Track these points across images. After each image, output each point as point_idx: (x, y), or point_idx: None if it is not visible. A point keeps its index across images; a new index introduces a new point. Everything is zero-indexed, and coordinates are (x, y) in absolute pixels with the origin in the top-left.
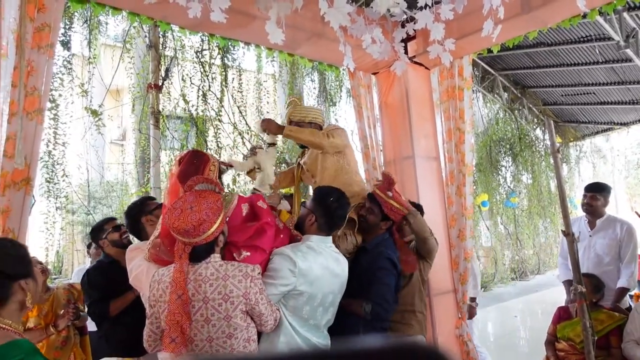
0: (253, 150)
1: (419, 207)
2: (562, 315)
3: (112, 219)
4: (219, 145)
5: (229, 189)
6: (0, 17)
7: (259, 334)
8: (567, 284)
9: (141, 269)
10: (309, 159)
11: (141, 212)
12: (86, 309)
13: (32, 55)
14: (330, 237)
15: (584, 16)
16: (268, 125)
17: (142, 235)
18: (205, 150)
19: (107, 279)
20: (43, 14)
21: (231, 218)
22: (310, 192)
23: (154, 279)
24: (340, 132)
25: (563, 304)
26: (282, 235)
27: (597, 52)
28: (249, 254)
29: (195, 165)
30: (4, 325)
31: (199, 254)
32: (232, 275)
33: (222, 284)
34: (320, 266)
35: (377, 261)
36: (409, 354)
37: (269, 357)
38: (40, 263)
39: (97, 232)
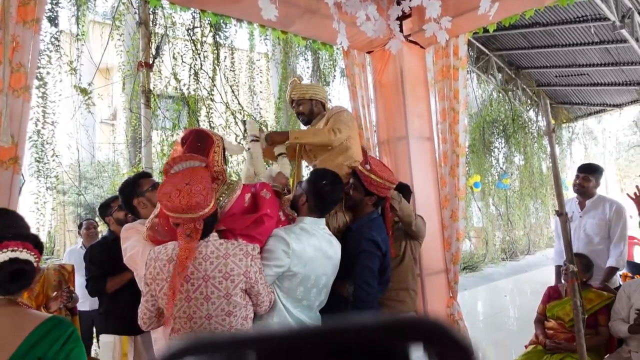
0: (254, 138)
1: (406, 188)
2: (552, 294)
3: (118, 197)
4: (211, 124)
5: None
6: None
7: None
8: (557, 269)
9: (136, 249)
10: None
11: (133, 193)
12: (85, 284)
13: (17, 30)
14: (324, 220)
15: None
16: (273, 139)
17: (136, 215)
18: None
19: (108, 256)
20: None
21: (233, 206)
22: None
23: (150, 257)
24: (346, 120)
25: (552, 284)
26: (280, 226)
27: (592, 32)
28: (244, 242)
29: (199, 147)
30: (24, 302)
31: (209, 225)
32: (233, 254)
33: (223, 262)
34: (313, 248)
35: (360, 243)
36: (412, 327)
37: (263, 334)
38: None
39: (104, 209)
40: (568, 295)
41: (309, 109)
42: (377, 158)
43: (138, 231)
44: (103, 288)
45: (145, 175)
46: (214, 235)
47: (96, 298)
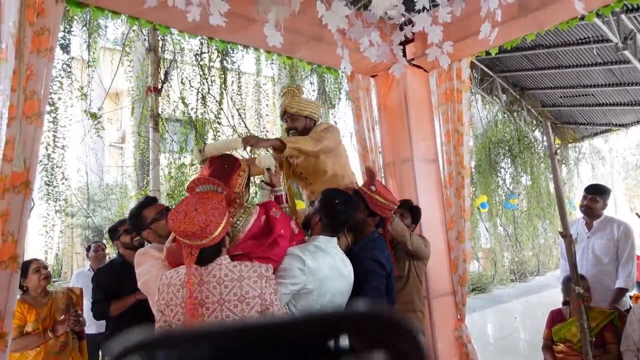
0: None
1: (417, 210)
2: (556, 318)
3: (126, 221)
4: None
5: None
6: (0, 21)
7: None
8: (565, 286)
9: (150, 275)
10: (303, 162)
11: (139, 227)
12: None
13: (32, 60)
14: (336, 239)
15: (582, 18)
16: (252, 142)
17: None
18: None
19: (115, 279)
20: (42, 18)
21: (250, 229)
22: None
23: (163, 282)
24: (332, 132)
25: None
26: (294, 242)
27: (595, 53)
28: (257, 263)
29: (225, 170)
30: None
31: (206, 256)
32: (248, 277)
33: (238, 285)
34: (328, 266)
35: (364, 264)
36: (366, 320)
37: (214, 329)
38: (45, 267)
39: (112, 233)
40: (572, 317)
41: (302, 126)
42: (381, 180)
43: (152, 256)
44: (107, 311)
45: (147, 204)
46: (226, 257)
47: (103, 321)
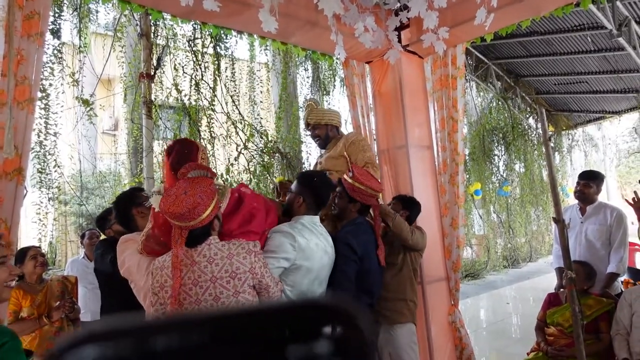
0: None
1: (414, 202)
2: (552, 301)
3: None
4: (212, 135)
5: (222, 179)
6: None
7: None
8: (559, 270)
9: (132, 262)
10: (327, 162)
11: (131, 203)
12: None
13: (22, 44)
14: (318, 217)
15: (577, 4)
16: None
17: (132, 227)
18: (196, 140)
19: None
20: (32, 1)
21: (226, 209)
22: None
23: (155, 266)
24: (370, 151)
25: (554, 289)
26: (271, 214)
27: (590, 40)
28: (244, 240)
29: (186, 154)
30: None
31: (195, 237)
32: (236, 253)
33: (228, 262)
34: (314, 243)
35: (338, 248)
36: (315, 309)
37: (162, 321)
38: (42, 255)
39: (101, 222)
40: (567, 302)
41: (324, 133)
42: (364, 168)
43: (135, 242)
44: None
45: (140, 189)
46: (215, 238)
47: (98, 309)
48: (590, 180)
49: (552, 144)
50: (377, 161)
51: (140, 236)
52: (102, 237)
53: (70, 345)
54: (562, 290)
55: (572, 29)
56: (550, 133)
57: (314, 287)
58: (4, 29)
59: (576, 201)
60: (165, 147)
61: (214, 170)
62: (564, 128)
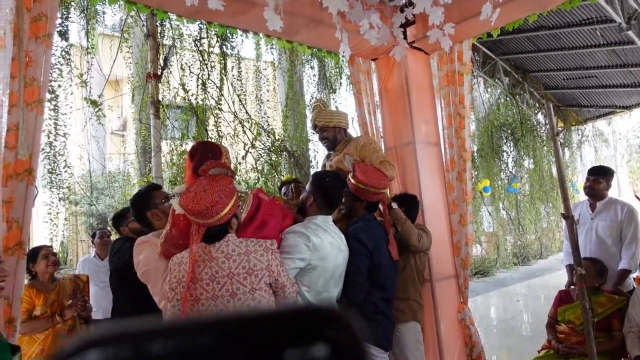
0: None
1: (412, 198)
2: (563, 298)
3: None
4: (220, 134)
5: (244, 185)
6: None
7: None
8: (569, 268)
9: (150, 266)
10: (337, 164)
11: (146, 206)
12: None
13: (30, 46)
14: (331, 217)
15: None
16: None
17: (149, 227)
18: (206, 140)
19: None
20: (39, 3)
21: (246, 215)
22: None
23: (174, 262)
24: (381, 150)
25: (564, 288)
26: (287, 219)
27: (599, 34)
28: (253, 239)
29: (209, 158)
30: None
31: (213, 235)
32: (254, 250)
33: (245, 258)
34: (328, 242)
35: (349, 244)
36: (310, 314)
37: (166, 325)
38: (54, 254)
39: (119, 219)
40: (579, 299)
41: (332, 135)
42: (368, 157)
43: (151, 244)
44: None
45: (156, 187)
46: (232, 235)
47: (109, 307)
48: (600, 176)
49: (561, 140)
50: None
51: (159, 238)
52: (115, 236)
53: (75, 349)
54: (572, 287)
55: (580, 23)
56: (560, 129)
57: (329, 287)
58: (13, 31)
59: (586, 197)
60: (175, 146)
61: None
62: (574, 123)
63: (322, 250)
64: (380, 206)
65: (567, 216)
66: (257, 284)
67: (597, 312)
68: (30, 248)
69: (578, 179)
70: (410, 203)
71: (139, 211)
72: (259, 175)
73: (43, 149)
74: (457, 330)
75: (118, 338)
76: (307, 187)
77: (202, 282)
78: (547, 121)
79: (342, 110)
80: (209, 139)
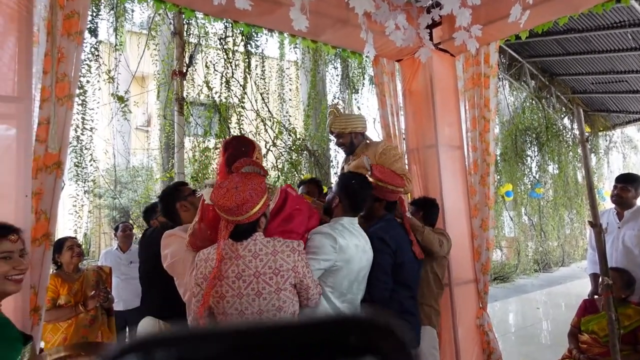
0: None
1: (431, 202)
2: (588, 308)
3: None
4: (242, 132)
5: (274, 181)
6: (33, 6)
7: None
8: (594, 277)
9: (178, 257)
10: (355, 168)
11: (175, 197)
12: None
13: (62, 42)
14: (357, 219)
15: (618, 0)
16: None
17: (176, 220)
18: (228, 137)
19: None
20: (72, 1)
21: (273, 209)
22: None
23: (200, 258)
24: (401, 160)
25: (587, 296)
26: (313, 219)
27: (630, 38)
28: (289, 239)
29: (242, 152)
30: None
31: (241, 232)
32: (281, 250)
33: (272, 258)
34: (354, 244)
35: (372, 244)
36: (353, 324)
37: (208, 329)
38: (79, 246)
39: (149, 212)
40: (604, 310)
41: (349, 141)
42: (387, 164)
43: (178, 237)
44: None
45: (184, 183)
46: (260, 234)
47: (130, 299)
48: (629, 184)
49: (588, 145)
50: (407, 161)
51: (187, 231)
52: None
53: (115, 354)
54: (597, 297)
55: (611, 26)
56: (587, 134)
57: (353, 288)
58: (47, 28)
59: (613, 205)
60: (198, 143)
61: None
62: (601, 129)
63: (347, 252)
64: (399, 208)
65: (595, 224)
66: (283, 284)
67: (624, 324)
68: (56, 239)
69: (605, 186)
70: (429, 207)
71: (168, 203)
72: (279, 174)
73: (70, 143)
74: (475, 336)
75: (157, 343)
76: (333, 187)
77: (228, 279)
78: (573, 126)
79: (363, 111)
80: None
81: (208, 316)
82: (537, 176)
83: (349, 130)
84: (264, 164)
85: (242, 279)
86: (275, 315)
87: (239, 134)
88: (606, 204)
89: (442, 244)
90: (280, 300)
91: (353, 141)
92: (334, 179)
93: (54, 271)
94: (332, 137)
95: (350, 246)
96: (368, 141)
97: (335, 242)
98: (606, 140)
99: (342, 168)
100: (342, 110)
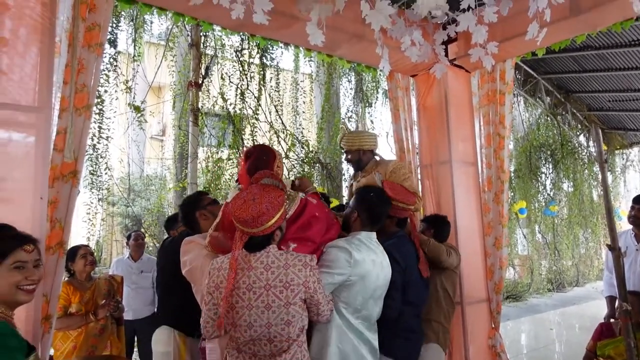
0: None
1: (442, 219)
2: (604, 332)
3: None
4: (255, 143)
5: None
6: (55, 17)
7: (310, 330)
8: (610, 299)
9: (196, 264)
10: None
11: (196, 206)
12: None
13: (83, 54)
14: (375, 233)
15: (637, 19)
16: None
17: (195, 228)
18: (242, 149)
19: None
20: (94, 14)
21: (291, 215)
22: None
23: (213, 267)
24: (411, 179)
25: (602, 320)
26: (333, 230)
27: None
28: (295, 245)
29: (264, 160)
30: None
31: (255, 244)
32: (293, 264)
33: (284, 272)
34: (371, 259)
35: None
36: None
37: None
38: (92, 254)
39: (171, 223)
40: (622, 334)
41: (356, 158)
42: (397, 183)
43: (198, 244)
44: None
45: (205, 192)
46: (273, 247)
47: (139, 308)
48: None
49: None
50: (420, 176)
51: (207, 236)
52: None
53: None
54: (613, 320)
55: (629, 44)
56: (604, 153)
57: (368, 305)
58: (68, 39)
59: (630, 226)
60: (211, 153)
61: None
62: (618, 147)
63: (363, 267)
64: (409, 225)
65: (614, 248)
66: (293, 298)
67: None
68: (69, 247)
69: (621, 205)
70: (440, 225)
71: (188, 212)
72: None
73: (86, 151)
74: (487, 356)
75: None
76: (351, 201)
77: (239, 290)
78: (589, 143)
79: (376, 124)
80: (245, 148)
81: (218, 325)
82: (551, 194)
83: (356, 147)
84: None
85: (253, 291)
86: (284, 329)
87: (261, 143)
88: (622, 223)
89: (450, 253)
90: (289, 315)
91: (361, 158)
92: (345, 192)
93: (66, 279)
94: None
95: (366, 261)
96: (378, 159)
97: (351, 256)
98: (623, 159)
99: (351, 185)
100: (355, 127)
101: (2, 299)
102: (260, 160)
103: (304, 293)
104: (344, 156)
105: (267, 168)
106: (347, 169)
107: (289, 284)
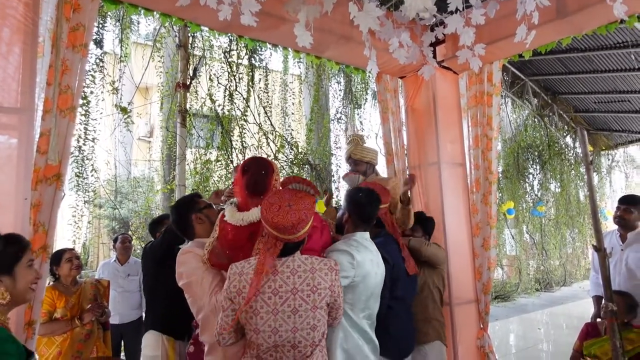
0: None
1: (428, 220)
2: (590, 331)
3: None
4: (244, 145)
5: None
6: (38, 17)
7: None
8: (596, 299)
9: (195, 278)
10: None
11: (191, 209)
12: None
13: (67, 55)
14: (368, 233)
15: (622, 22)
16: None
17: (189, 233)
18: (230, 150)
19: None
20: (78, 14)
21: None
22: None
23: (233, 271)
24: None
25: (589, 319)
26: (325, 232)
27: (634, 58)
28: (325, 258)
29: (262, 175)
30: None
31: (289, 250)
32: (319, 268)
33: (310, 276)
34: (369, 258)
35: None
36: None
37: None
38: (78, 258)
39: (156, 225)
40: (607, 334)
41: (363, 169)
42: (374, 181)
43: (195, 255)
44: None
45: (199, 195)
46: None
47: (126, 312)
48: (632, 205)
49: (591, 166)
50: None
51: (205, 247)
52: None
53: None
54: (599, 320)
55: (614, 46)
56: (590, 153)
57: (370, 303)
58: (52, 40)
59: (616, 226)
60: (199, 155)
61: None
62: (604, 148)
63: (364, 267)
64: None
65: (600, 249)
66: (320, 302)
67: (627, 348)
68: (54, 250)
69: (607, 205)
70: (424, 221)
71: (182, 214)
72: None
73: (72, 153)
74: (475, 357)
75: None
76: (342, 205)
77: (263, 295)
78: (575, 145)
79: (365, 126)
80: (233, 149)
81: (234, 331)
82: (539, 194)
83: (367, 159)
84: None
85: (279, 295)
86: (309, 333)
87: (256, 155)
88: (609, 224)
89: (429, 244)
90: (315, 319)
91: (366, 171)
92: (334, 194)
93: (51, 283)
94: (335, 151)
95: (366, 261)
96: (377, 175)
97: (353, 258)
98: (608, 160)
99: None
100: (345, 128)
101: (15, 300)
102: (258, 175)
103: (330, 297)
104: (347, 162)
105: (266, 183)
106: (337, 170)
107: (316, 287)
